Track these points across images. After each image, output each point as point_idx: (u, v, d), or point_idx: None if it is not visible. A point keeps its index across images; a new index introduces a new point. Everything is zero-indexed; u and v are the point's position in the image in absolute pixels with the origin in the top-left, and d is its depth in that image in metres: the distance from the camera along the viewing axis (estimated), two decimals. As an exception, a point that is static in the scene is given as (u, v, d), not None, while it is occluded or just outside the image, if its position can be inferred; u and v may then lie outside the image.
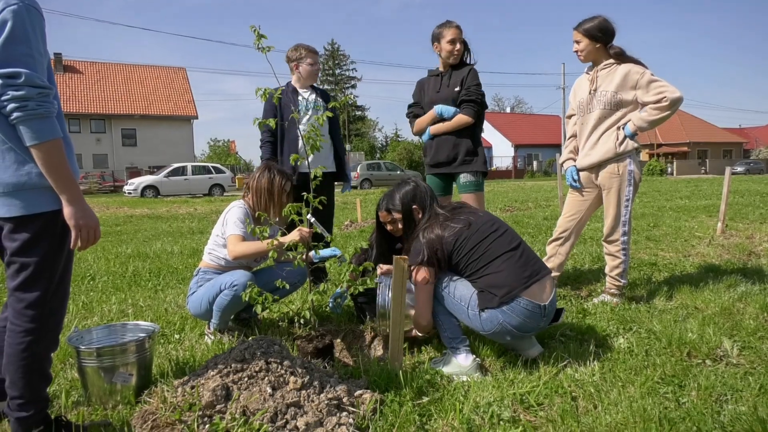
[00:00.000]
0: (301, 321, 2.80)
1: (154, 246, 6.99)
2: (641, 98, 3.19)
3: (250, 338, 2.29)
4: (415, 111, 3.79)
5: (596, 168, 3.37)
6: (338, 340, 2.99)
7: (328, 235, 2.96)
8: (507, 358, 2.63)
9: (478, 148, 3.63)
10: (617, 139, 3.26)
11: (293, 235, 2.74)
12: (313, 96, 3.90)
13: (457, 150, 3.61)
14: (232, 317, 3.00)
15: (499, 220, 2.54)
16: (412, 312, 2.63)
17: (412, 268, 2.42)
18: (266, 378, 2.09)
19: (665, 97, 3.09)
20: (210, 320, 2.94)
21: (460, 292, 2.41)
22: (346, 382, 2.24)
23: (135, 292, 4.27)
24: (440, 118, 3.62)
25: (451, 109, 3.57)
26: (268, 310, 3.26)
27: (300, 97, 3.88)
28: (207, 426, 1.89)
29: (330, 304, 3.11)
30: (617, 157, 3.28)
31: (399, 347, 2.45)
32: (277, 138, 3.84)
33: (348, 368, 2.47)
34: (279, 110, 3.79)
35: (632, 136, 3.25)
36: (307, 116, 3.81)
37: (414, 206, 2.57)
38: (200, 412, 1.91)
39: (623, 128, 3.27)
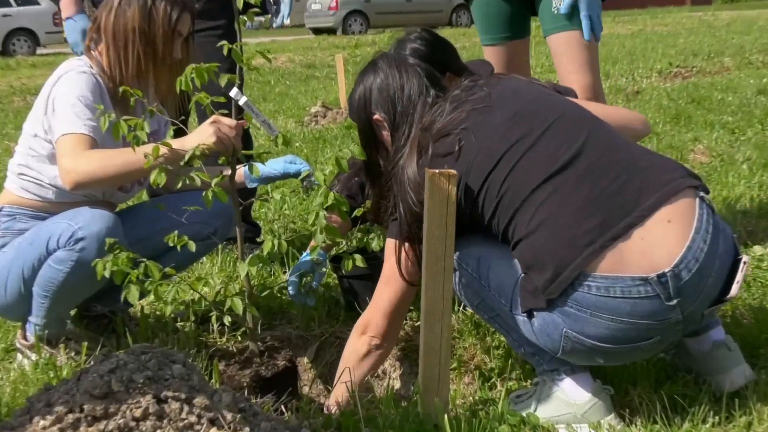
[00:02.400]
0: (226, 321, 2.40)
1: None
2: None
3: (120, 352, 1.86)
4: None
5: None
6: (304, 360, 2.86)
7: (275, 132, 2.53)
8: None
9: None
10: None
11: (203, 134, 2.34)
12: None
13: None
14: (73, 311, 2.73)
15: (552, 100, 2.16)
16: None
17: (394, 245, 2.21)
18: None
19: None
20: (27, 318, 2.58)
21: (498, 275, 2.09)
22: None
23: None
24: None
25: None
26: (151, 298, 2.88)
27: None
28: None
29: (289, 287, 2.75)
30: None
31: (441, 366, 2.07)
32: None
33: (329, 415, 2.12)
34: None
35: None
36: None
37: (376, 116, 2.29)
38: None
39: None
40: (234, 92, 2.43)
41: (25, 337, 2.56)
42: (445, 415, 1.87)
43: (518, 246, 1.98)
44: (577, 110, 2.11)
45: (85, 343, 2.45)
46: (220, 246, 3.46)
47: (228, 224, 2.78)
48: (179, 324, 2.84)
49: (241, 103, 2.49)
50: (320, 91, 10.11)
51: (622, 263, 1.87)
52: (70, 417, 1.64)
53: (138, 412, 1.65)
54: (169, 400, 1.69)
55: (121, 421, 1.63)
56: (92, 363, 1.78)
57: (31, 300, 2.48)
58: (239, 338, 2.73)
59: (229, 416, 1.70)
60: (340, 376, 2.23)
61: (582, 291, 1.88)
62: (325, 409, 2.22)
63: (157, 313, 2.97)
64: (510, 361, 2.48)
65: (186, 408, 1.69)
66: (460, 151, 2.03)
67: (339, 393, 2.23)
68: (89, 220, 2.36)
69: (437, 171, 1.90)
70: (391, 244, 2.18)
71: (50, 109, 2.48)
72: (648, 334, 1.90)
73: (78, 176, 2.38)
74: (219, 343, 2.74)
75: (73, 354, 2.50)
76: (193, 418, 1.67)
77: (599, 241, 1.89)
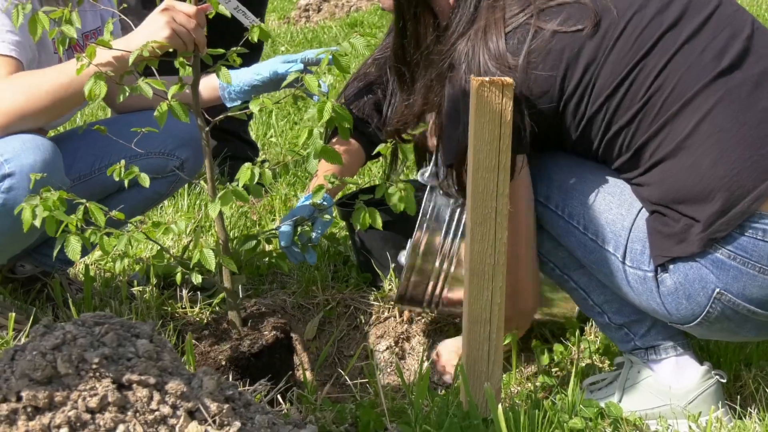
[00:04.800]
0: (195, 280, 2.48)
1: None
2: None
3: (67, 323, 1.89)
4: None
5: None
6: (305, 332, 2.97)
7: (252, 22, 2.57)
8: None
9: None
10: None
11: (152, 26, 2.37)
12: None
13: None
14: None
15: None
16: None
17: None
18: (121, 427, 1.76)
19: None
20: None
21: (600, 213, 2.18)
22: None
23: None
24: None
25: None
26: (97, 254, 3.03)
27: None
28: None
29: (281, 237, 2.81)
30: None
31: (491, 343, 2.15)
32: None
33: (342, 403, 2.27)
34: None
35: None
36: None
37: None
38: None
39: None
40: None
41: None
42: (499, 406, 1.93)
43: (660, 167, 2.03)
44: None
45: (13, 314, 2.51)
46: (186, 185, 3.53)
47: (197, 157, 2.82)
48: (136, 289, 2.94)
49: None
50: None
51: None
52: (4, 408, 1.66)
53: (93, 402, 1.68)
54: (134, 385, 1.73)
55: (71, 413, 1.67)
56: (30, 338, 1.82)
57: None
58: (217, 308, 2.83)
59: (213, 407, 1.75)
60: None
61: (753, 236, 1.96)
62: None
63: (106, 274, 3.05)
64: (578, 336, 2.56)
65: (156, 396, 1.73)
66: (597, 25, 2.06)
67: None
68: (19, 150, 2.38)
69: (488, 79, 1.91)
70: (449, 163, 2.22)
71: None
72: None
73: (3, 117, 2.41)
74: (190, 314, 2.83)
75: None
76: (165, 409, 1.72)
77: None
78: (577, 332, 2.62)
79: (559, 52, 2.05)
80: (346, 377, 2.46)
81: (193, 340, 2.48)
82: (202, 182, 3.44)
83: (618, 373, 2.30)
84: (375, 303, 3.00)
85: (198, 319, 2.80)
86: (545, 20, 2.08)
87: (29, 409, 1.68)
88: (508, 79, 1.93)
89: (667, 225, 2.03)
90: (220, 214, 2.38)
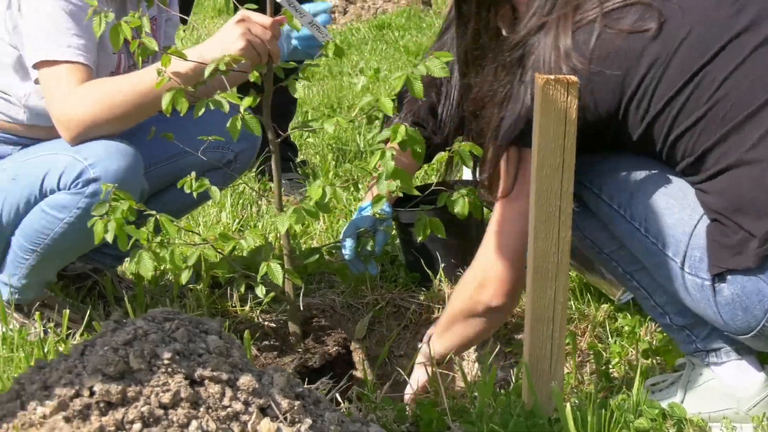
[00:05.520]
0: (260, 293, 2.52)
1: None
2: None
3: (137, 318, 1.92)
4: None
5: None
6: (355, 345, 2.96)
7: (326, 38, 2.52)
8: None
9: None
10: None
11: (227, 38, 2.38)
12: None
13: None
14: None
15: None
16: None
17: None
18: (194, 423, 1.76)
19: None
20: None
21: (663, 217, 2.16)
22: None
23: None
24: None
25: None
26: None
27: None
28: None
29: (344, 249, 2.85)
30: None
31: (554, 341, 2.13)
32: None
33: (402, 402, 2.31)
34: None
35: None
36: None
37: None
38: None
39: None
40: None
41: None
42: (567, 405, 1.94)
43: (725, 176, 2.02)
44: None
45: (67, 311, 2.55)
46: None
47: (252, 150, 2.87)
48: (186, 287, 2.94)
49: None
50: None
51: None
52: (77, 403, 1.69)
53: (166, 398, 1.70)
54: (206, 381, 1.75)
55: (144, 408, 1.69)
56: (100, 333, 1.85)
57: (5, 253, 2.57)
58: (267, 307, 2.85)
59: (284, 403, 1.77)
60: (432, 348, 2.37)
61: None
62: (407, 393, 2.39)
63: (156, 273, 3.04)
64: (638, 335, 2.57)
65: (228, 392, 1.75)
66: (662, 26, 2.06)
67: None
68: (104, 155, 2.42)
69: (553, 77, 1.92)
70: (513, 155, 2.21)
71: (15, 4, 2.50)
72: None
73: (77, 127, 2.43)
74: (240, 312, 2.85)
75: (52, 325, 2.60)
76: (238, 406, 1.74)
77: None
78: (637, 331, 2.63)
79: (622, 52, 2.06)
80: (405, 376, 2.46)
81: (254, 349, 2.51)
82: (251, 178, 3.49)
83: (680, 375, 2.29)
84: (425, 302, 3.00)
85: (250, 317, 2.83)
86: (612, 20, 2.08)
87: (102, 405, 1.71)
88: (573, 78, 1.93)
89: (726, 235, 2.03)
90: (287, 237, 2.45)
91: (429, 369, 2.45)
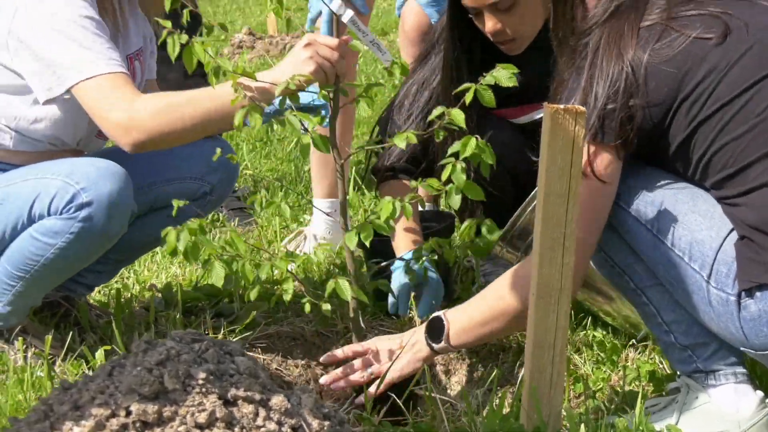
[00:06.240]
0: (326, 310, 2.57)
1: None
2: None
3: (166, 339, 1.94)
4: None
5: None
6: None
7: (388, 58, 2.56)
8: None
9: None
10: None
11: (296, 61, 2.36)
12: None
13: None
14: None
15: None
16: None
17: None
18: None
19: None
20: None
21: (691, 232, 2.18)
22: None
23: None
24: None
25: None
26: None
27: None
28: None
29: (391, 299, 2.99)
30: None
31: (554, 367, 2.17)
32: None
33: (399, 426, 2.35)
34: None
35: None
36: None
37: None
38: None
39: None
40: (336, 5, 2.46)
41: None
42: (582, 426, 1.97)
43: (763, 191, 2.04)
44: None
45: (49, 337, 2.51)
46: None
47: (230, 182, 2.87)
48: (160, 313, 2.94)
49: (345, 19, 2.50)
50: (236, 13, 10.33)
51: None
52: (114, 423, 1.69)
53: (202, 417, 1.71)
54: (239, 401, 1.76)
55: (181, 428, 1.69)
56: (131, 353, 1.85)
57: None
58: (240, 333, 2.81)
59: (315, 423, 1.78)
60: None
61: None
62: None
63: (122, 299, 3.02)
64: (623, 357, 2.63)
65: (262, 412, 1.77)
66: (726, 37, 2.09)
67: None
68: (95, 178, 2.38)
69: (561, 107, 1.97)
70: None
71: (23, 25, 2.45)
72: None
73: (140, 134, 2.38)
74: (217, 338, 2.77)
75: (31, 352, 2.57)
76: (271, 426, 1.75)
77: None
78: (625, 355, 2.67)
79: (684, 53, 2.10)
80: (399, 402, 2.44)
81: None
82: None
83: (673, 398, 2.31)
84: (394, 330, 2.96)
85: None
86: (678, 24, 2.13)
87: (138, 424, 1.71)
88: (581, 108, 1.98)
89: (757, 252, 2.05)
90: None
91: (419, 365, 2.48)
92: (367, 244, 2.32)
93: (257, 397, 1.78)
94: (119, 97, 2.41)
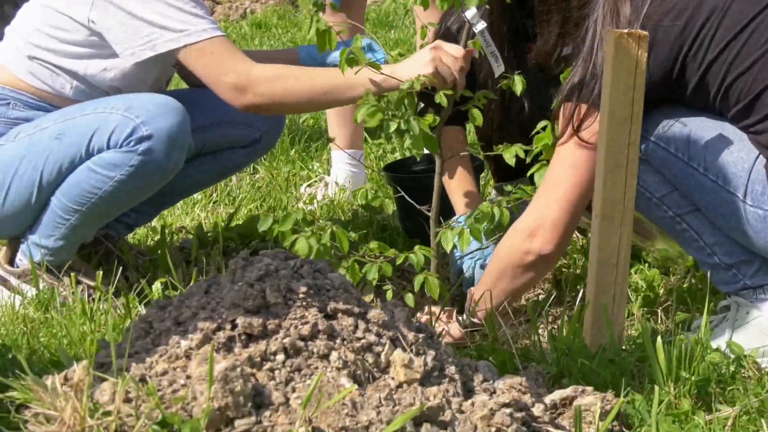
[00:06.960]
0: (409, 302, 2.58)
1: None
2: None
3: (263, 256, 1.94)
4: None
5: None
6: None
7: (500, 69, 2.67)
8: None
9: None
10: None
11: (418, 62, 2.46)
12: None
13: None
14: None
15: None
16: None
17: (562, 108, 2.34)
18: (334, 354, 1.80)
19: None
20: (23, 236, 2.68)
21: (722, 157, 2.21)
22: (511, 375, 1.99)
23: None
24: None
25: None
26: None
27: None
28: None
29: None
30: None
31: (617, 287, 2.20)
32: None
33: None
34: None
35: None
36: None
37: None
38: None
39: None
40: (471, 14, 2.47)
41: (11, 262, 2.60)
42: (659, 338, 1.98)
43: None
44: None
45: (100, 272, 2.53)
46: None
47: (277, 131, 2.92)
48: (199, 252, 2.96)
49: (477, 30, 2.53)
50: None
51: None
52: (221, 336, 1.72)
53: (305, 330, 1.73)
54: (339, 314, 1.79)
55: (285, 340, 1.72)
56: (230, 270, 1.88)
57: (40, 213, 2.52)
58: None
59: (410, 336, 1.81)
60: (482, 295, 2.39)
61: None
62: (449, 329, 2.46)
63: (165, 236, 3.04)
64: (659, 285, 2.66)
65: (361, 324, 1.79)
66: None
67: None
68: (155, 112, 2.41)
69: (626, 31, 1.99)
70: (570, 107, 2.27)
71: None
72: None
73: (258, 98, 2.44)
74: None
75: (81, 288, 2.56)
76: (371, 338, 1.77)
77: None
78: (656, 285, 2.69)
79: (682, 4, 2.13)
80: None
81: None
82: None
83: (723, 316, 2.33)
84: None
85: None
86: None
87: (243, 337, 1.74)
88: (644, 32, 2.00)
89: None
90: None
91: (457, 327, 2.51)
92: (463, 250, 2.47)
93: (356, 310, 1.80)
94: (236, 60, 2.47)
